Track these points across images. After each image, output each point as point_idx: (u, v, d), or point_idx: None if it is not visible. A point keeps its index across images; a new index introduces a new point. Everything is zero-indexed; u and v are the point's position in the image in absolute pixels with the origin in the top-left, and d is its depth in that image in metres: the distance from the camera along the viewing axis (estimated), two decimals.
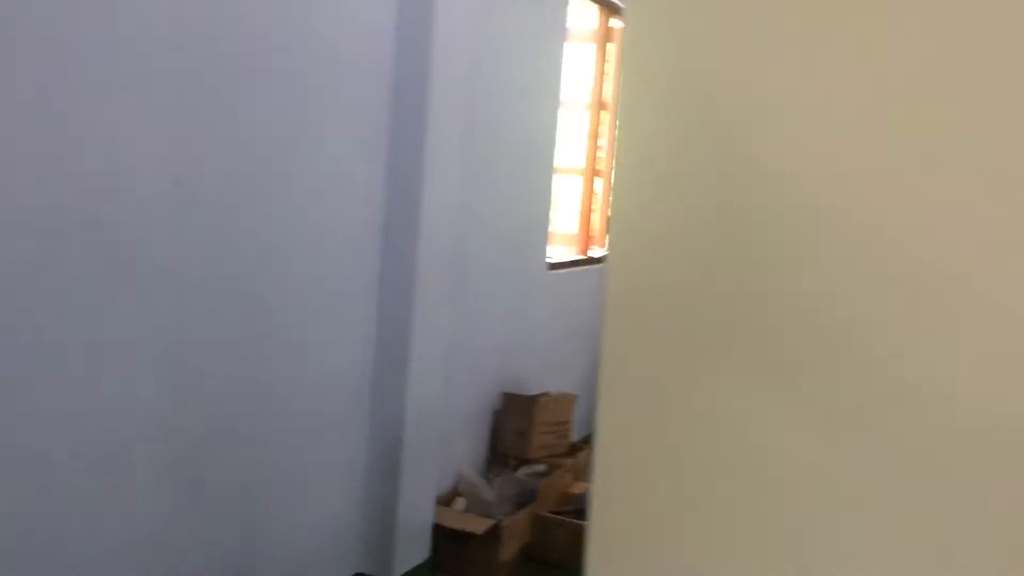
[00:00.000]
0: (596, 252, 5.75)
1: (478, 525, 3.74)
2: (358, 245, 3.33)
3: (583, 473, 4.58)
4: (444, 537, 3.76)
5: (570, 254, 5.40)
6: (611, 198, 0.70)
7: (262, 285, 2.91)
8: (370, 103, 3.29)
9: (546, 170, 4.81)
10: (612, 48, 5.60)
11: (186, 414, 2.68)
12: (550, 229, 4.93)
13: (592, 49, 5.50)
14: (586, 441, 5.18)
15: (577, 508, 4.12)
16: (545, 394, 4.52)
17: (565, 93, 4.91)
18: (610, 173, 6.02)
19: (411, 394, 3.46)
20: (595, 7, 5.40)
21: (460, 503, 4.06)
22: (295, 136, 2.97)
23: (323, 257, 3.16)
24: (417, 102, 3.32)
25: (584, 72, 5.44)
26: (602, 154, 5.64)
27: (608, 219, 5.81)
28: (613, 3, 5.43)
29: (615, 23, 5.65)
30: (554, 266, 5.02)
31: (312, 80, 3.01)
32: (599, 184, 5.69)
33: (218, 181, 2.69)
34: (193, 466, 2.74)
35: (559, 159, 4.96)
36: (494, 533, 3.72)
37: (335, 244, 3.21)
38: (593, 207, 5.64)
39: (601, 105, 5.56)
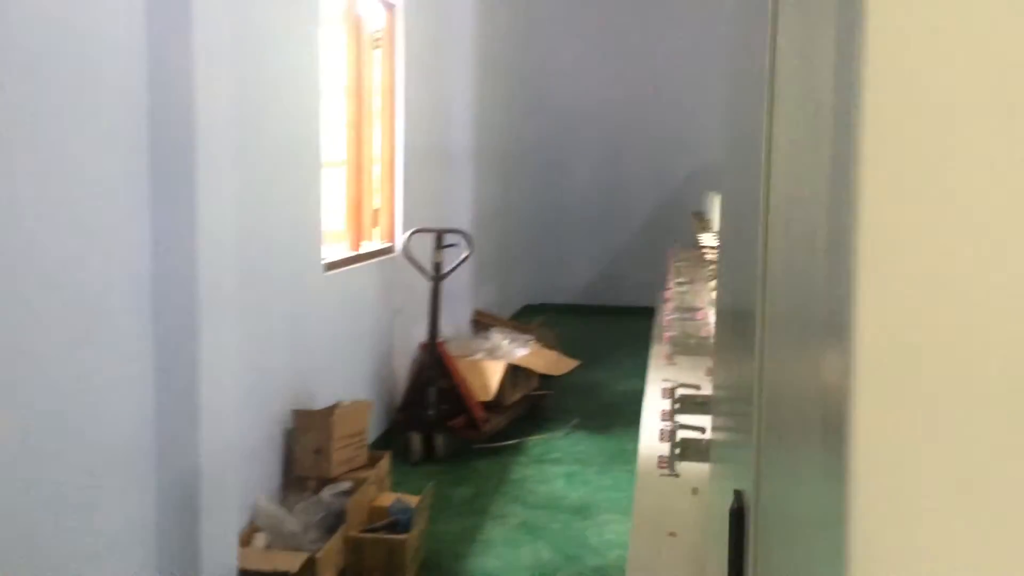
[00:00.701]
0: (369, 247, 5.47)
1: (289, 562, 3.38)
2: (123, 269, 2.84)
3: (387, 483, 4.33)
4: None
5: (343, 251, 5.08)
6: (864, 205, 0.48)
7: (7, 334, 2.38)
8: (125, 108, 2.81)
9: (314, 164, 4.46)
10: (367, 32, 5.32)
11: None
12: (322, 227, 4.59)
13: (342, 33, 5.17)
14: (381, 447, 4.92)
15: (390, 521, 3.87)
16: (339, 405, 4.21)
17: (324, 81, 4.57)
18: (391, 160, 5.75)
19: (204, 428, 3.03)
20: None
21: (260, 539, 3.66)
22: (33, 150, 2.45)
23: (80, 291, 2.66)
24: (183, 102, 2.88)
25: (336, 58, 5.11)
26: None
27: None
28: None
29: (364, 4, 5.36)
30: (330, 265, 4.69)
31: (50, 88, 2.49)
32: (370, 173, 5.40)
33: None
34: None
35: (326, 151, 4.62)
36: (308, 567, 3.38)
37: (93, 273, 2.71)
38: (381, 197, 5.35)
39: (361, 91, 5.26)
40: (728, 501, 1.21)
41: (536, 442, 5.70)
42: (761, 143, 0.97)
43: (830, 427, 0.53)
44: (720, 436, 1.58)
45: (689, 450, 2.32)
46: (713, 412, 1.80)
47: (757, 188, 1.04)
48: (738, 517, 1.06)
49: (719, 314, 1.73)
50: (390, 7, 5.77)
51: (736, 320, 1.31)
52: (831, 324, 0.54)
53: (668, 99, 10.19)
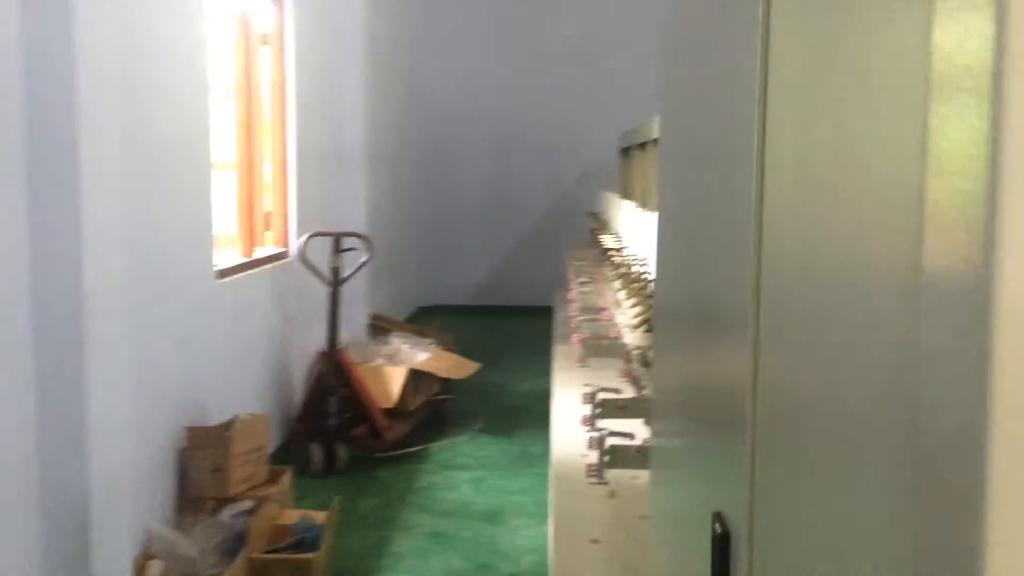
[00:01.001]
0: (262, 252, 5.24)
1: None
2: None
3: (290, 499, 4.13)
4: None
5: (235, 257, 4.84)
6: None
7: None
8: None
9: (203, 166, 4.21)
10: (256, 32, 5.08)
11: None
12: (212, 232, 4.35)
13: (230, 30, 4.93)
14: (279, 460, 4.71)
15: (295, 541, 3.69)
16: (235, 420, 3.99)
17: (211, 80, 4.33)
18: (283, 161, 5.52)
19: (91, 450, 2.80)
20: None
21: (156, 566, 3.42)
22: None
23: None
24: (64, 103, 2.65)
25: (225, 56, 4.86)
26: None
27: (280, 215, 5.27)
28: None
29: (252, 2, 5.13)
30: (222, 272, 4.45)
31: None
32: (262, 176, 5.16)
33: None
34: None
35: (215, 153, 4.38)
36: None
37: None
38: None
39: (250, 91, 5.03)
40: (696, 520, 1.13)
41: (440, 448, 5.59)
42: (752, 128, 0.90)
43: (946, 455, 0.45)
44: (670, 443, 1.51)
45: (618, 457, 2.26)
46: (655, 417, 1.74)
47: (739, 176, 0.96)
48: (722, 544, 0.98)
49: (661, 312, 1.66)
50: (279, 3, 5.54)
51: (700, 319, 1.24)
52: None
53: (557, 100, 10.23)
